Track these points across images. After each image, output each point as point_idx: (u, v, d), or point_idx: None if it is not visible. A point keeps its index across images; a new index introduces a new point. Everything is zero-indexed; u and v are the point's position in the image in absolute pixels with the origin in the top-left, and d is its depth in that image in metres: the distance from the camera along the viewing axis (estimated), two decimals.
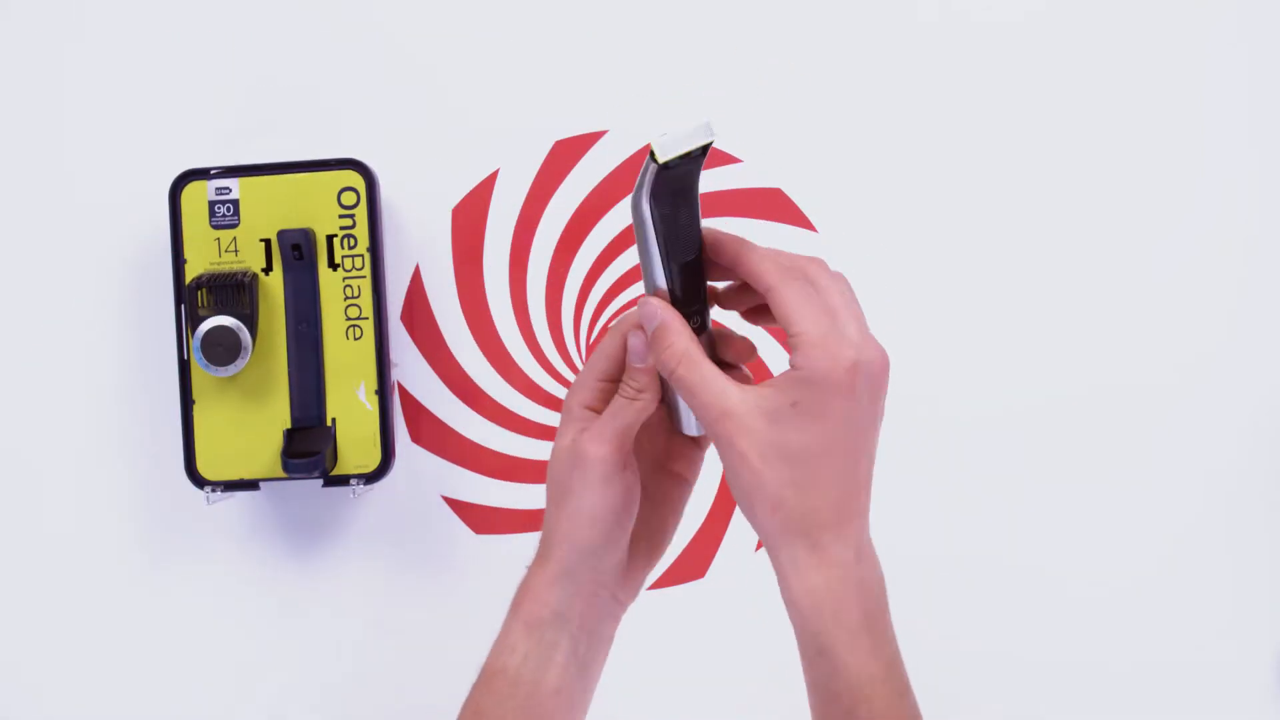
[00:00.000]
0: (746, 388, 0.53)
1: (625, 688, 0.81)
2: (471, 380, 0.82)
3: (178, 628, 0.82)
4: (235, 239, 0.76)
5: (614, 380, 0.58)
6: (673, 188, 0.54)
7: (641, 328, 0.56)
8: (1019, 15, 0.81)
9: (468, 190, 0.82)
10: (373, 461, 0.77)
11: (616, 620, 0.62)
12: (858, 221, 0.82)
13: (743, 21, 0.82)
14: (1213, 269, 0.82)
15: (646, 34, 0.82)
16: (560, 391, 0.82)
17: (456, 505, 0.82)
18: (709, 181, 0.81)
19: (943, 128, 0.82)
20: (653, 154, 0.52)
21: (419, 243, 0.82)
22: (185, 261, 0.76)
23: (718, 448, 0.53)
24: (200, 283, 0.74)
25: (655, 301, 0.55)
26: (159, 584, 0.82)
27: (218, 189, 0.76)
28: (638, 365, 0.56)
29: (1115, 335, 0.82)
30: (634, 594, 0.62)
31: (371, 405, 0.77)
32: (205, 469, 0.77)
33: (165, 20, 0.82)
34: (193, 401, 0.76)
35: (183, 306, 0.76)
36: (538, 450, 0.82)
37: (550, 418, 0.82)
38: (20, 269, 0.82)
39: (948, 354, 0.82)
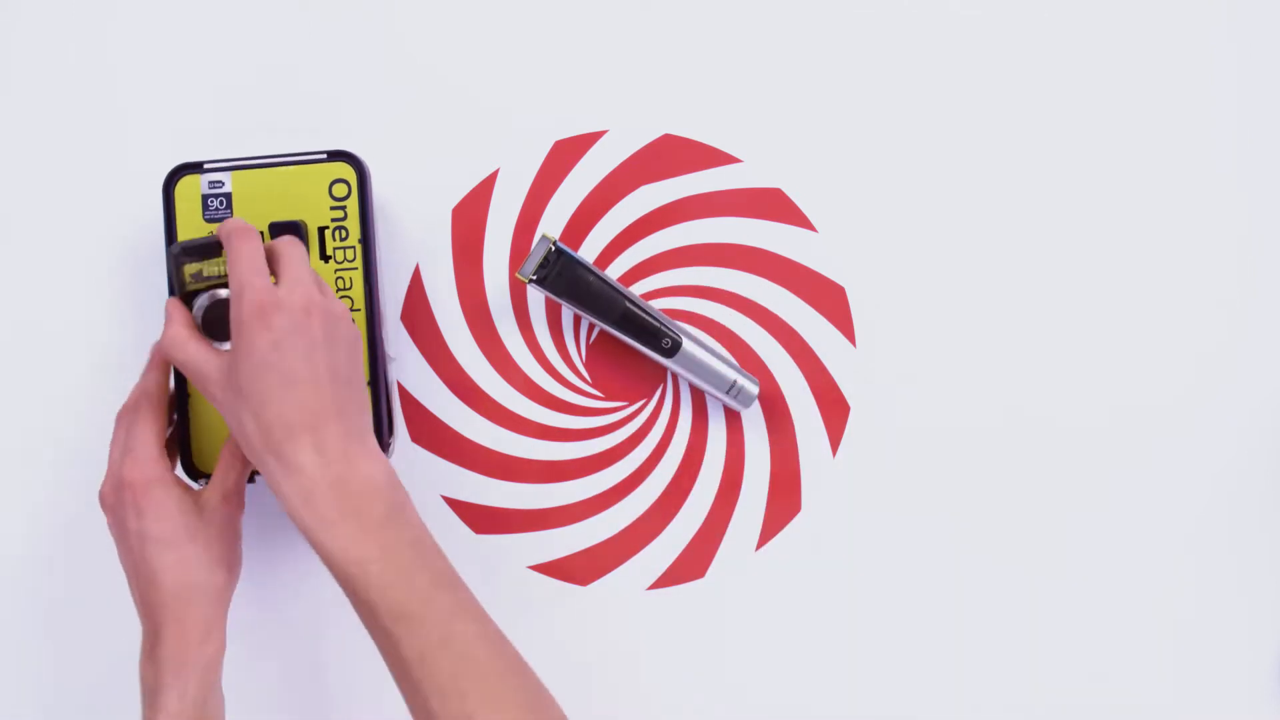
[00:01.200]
0: (220, 350, 0.66)
1: (625, 687, 0.81)
2: (471, 380, 0.82)
3: None
4: None
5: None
6: (564, 281, 0.77)
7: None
8: (1020, 14, 0.82)
9: (468, 190, 0.82)
10: None
11: None
12: (858, 221, 0.82)
13: (743, 21, 0.82)
14: (1214, 270, 0.82)
15: (647, 34, 0.82)
16: (561, 391, 0.81)
17: (456, 505, 0.82)
18: (709, 182, 0.81)
19: (944, 127, 0.82)
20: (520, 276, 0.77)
21: (419, 242, 0.82)
22: None
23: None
24: (183, 252, 0.71)
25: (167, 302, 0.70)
26: None
27: (211, 183, 0.77)
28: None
29: (1115, 338, 0.82)
30: None
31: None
32: (201, 462, 0.76)
33: (161, 16, 0.82)
34: (188, 395, 0.76)
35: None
36: (538, 450, 0.81)
37: (551, 417, 0.81)
38: (14, 265, 0.82)
39: (947, 354, 0.82)
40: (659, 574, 0.82)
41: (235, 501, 0.70)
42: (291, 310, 0.64)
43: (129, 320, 0.81)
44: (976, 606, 0.82)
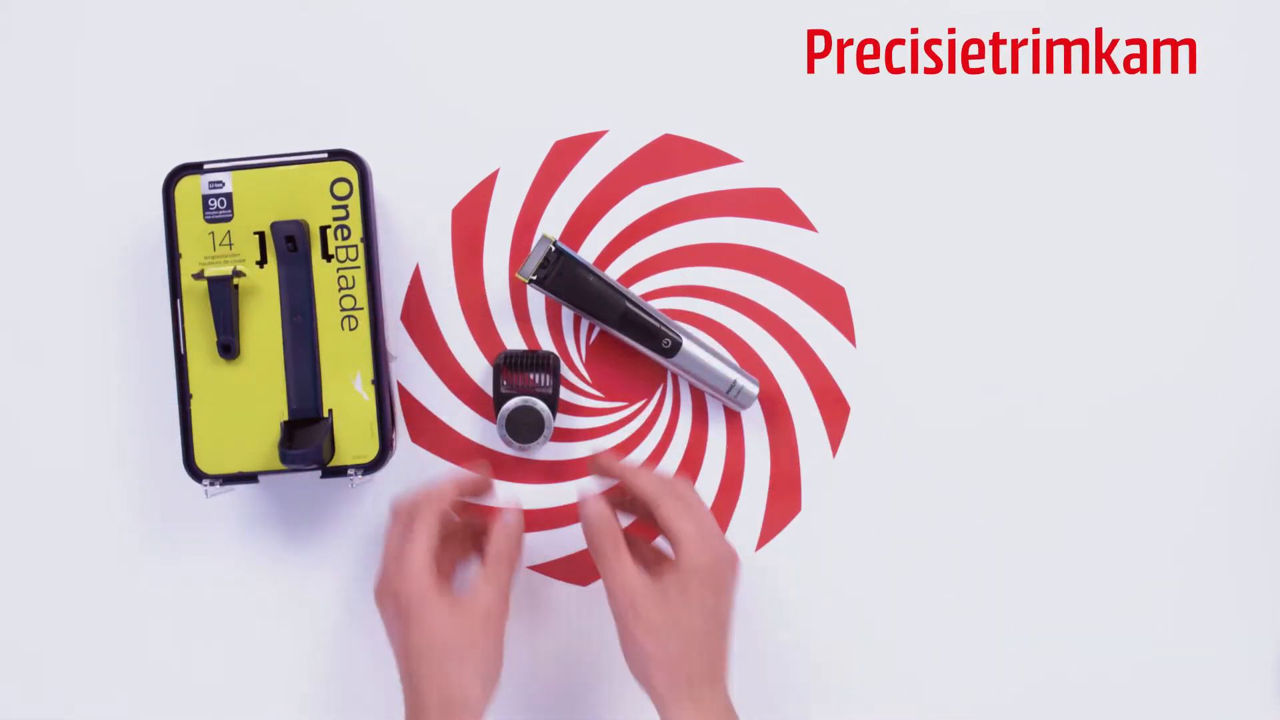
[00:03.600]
0: (643, 572, 0.70)
1: (625, 687, 0.81)
2: (471, 380, 0.82)
3: (177, 622, 0.81)
4: (229, 232, 0.76)
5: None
6: (564, 281, 0.78)
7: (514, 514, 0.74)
8: (1017, 17, 0.82)
9: (468, 190, 0.82)
10: (370, 451, 0.76)
11: None
12: (858, 221, 0.82)
13: (743, 22, 0.82)
14: (1213, 271, 0.82)
15: (647, 34, 0.82)
16: (560, 391, 0.81)
17: (457, 505, 0.81)
18: (709, 182, 0.82)
19: (943, 128, 0.82)
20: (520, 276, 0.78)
21: (419, 242, 0.82)
22: (180, 256, 0.76)
23: (615, 613, 0.71)
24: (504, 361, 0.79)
25: (591, 501, 0.72)
26: (159, 578, 0.82)
27: (211, 183, 0.76)
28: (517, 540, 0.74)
29: (1114, 339, 0.82)
30: None
31: (368, 395, 0.77)
32: (203, 463, 0.76)
33: (161, 17, 0.82)
34: (190, 395, 0.76)
35: (179, 301, 0.76)
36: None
37: None
38: (17, 266, 0.82)
39: (946, 354, 0.82)
40: None
41: (500, 608, 0.71)
42: (731, 566, 0.72)
43: (129, 320, 0.81)
44: (976, 606, 0.82)
